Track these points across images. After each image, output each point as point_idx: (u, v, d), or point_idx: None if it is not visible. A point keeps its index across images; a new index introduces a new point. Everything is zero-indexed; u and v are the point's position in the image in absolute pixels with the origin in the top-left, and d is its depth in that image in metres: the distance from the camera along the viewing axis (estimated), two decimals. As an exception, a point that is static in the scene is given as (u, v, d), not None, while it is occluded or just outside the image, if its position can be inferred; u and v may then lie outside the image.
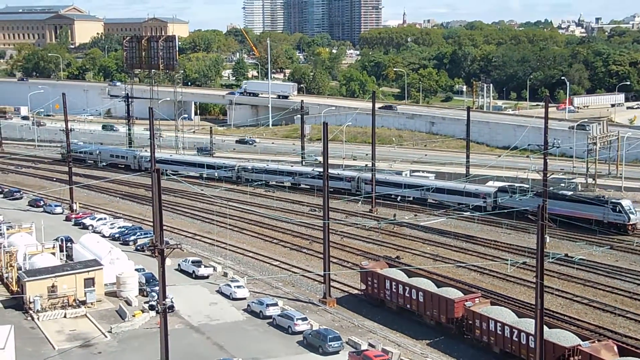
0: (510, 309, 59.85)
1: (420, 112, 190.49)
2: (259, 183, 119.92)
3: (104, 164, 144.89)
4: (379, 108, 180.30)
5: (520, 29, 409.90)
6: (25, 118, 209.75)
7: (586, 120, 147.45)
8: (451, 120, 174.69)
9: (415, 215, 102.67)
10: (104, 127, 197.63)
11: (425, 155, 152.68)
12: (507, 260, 76.60)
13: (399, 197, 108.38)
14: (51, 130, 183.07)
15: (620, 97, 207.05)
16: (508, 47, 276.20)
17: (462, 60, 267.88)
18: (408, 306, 65.83)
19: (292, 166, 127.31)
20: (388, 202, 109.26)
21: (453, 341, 61.10)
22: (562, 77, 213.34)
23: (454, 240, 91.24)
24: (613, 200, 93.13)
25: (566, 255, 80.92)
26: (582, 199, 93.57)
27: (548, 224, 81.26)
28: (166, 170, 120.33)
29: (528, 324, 54.97)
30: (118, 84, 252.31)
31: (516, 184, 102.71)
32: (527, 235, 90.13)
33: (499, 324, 57.19)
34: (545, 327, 51.61)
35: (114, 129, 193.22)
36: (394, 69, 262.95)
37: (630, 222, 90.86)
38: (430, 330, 63.44)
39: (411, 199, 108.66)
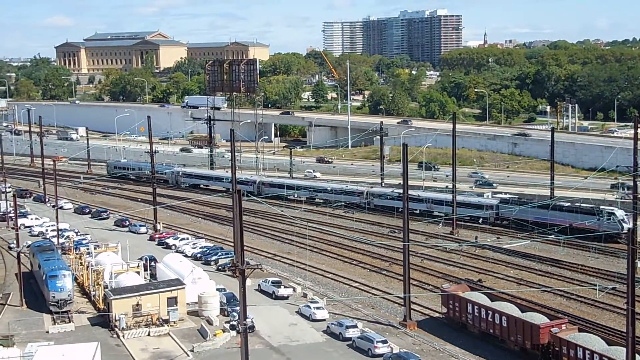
0: (599, 337, 57.57)
1: (502, 132, 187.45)
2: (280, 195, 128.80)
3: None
4: None
5: (607, 47, 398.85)
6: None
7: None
8: (534, 141, 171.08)
9: (498, 237, 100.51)
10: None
11: (508, 176, 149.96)
12: (596, 285, 73.84)
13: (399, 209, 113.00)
14: (137, 151, 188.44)
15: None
16: (594, 66, 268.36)
17: (545, 80, 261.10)
18: (491, 331, 64.24)
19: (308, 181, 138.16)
20: (469, 224, 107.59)
21: (538, 368, 59.19)
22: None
23: (539, 264, 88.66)
24: (607, 210, 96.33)
25: (658, 281, 77.50)
26: (578, 209, 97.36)
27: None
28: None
29: (618, 353, 52.71)
30: (77, 101, 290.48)
31: (517, 196, 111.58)
32: (616, 260, 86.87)
33: (587, 352, 55.05)
34: (637, 356, 49.43)
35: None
36: (475, 90, 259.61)
37: (624, 232, 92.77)
38: (514, 356, 61.59)
39: (417, 211, 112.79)
